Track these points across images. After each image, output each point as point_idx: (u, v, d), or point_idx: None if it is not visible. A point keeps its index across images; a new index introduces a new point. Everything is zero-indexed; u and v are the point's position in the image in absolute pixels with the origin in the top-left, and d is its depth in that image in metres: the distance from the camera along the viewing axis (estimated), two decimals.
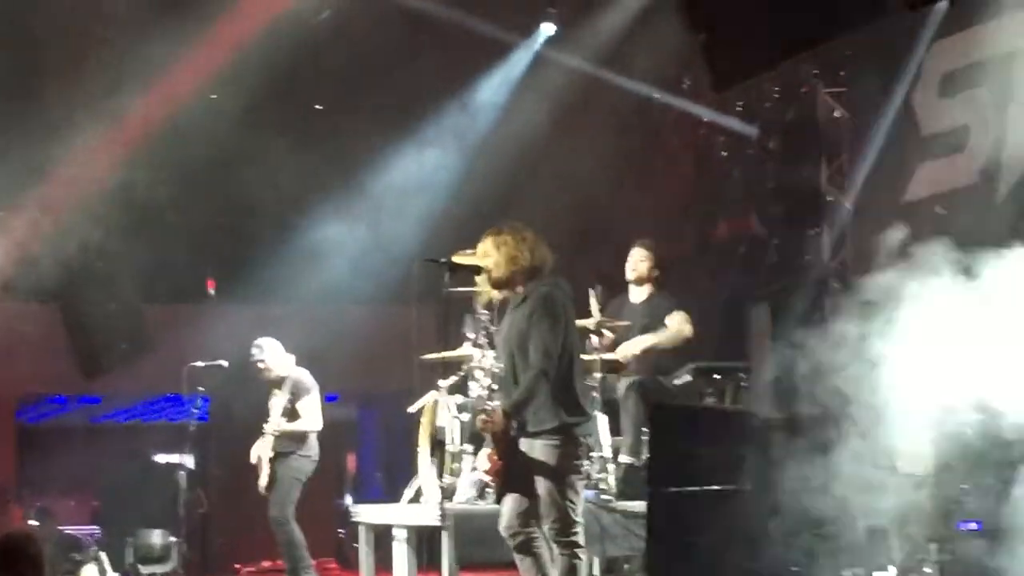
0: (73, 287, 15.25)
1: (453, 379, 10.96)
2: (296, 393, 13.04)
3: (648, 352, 11.26)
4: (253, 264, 15.68)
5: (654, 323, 11.42)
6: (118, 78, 13.97)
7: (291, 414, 13.01)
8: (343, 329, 15.29)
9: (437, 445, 9.95)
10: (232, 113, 14.40)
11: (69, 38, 13.97)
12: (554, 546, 8.55)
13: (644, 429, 10.81)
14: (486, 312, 10.72)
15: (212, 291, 16.17)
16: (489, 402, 9.03)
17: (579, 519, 8.56)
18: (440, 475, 9.36)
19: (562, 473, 8.48)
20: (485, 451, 8.90)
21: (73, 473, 15.89)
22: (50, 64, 14.44)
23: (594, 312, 11.03)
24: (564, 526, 8.47)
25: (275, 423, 13.04)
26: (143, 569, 13.59)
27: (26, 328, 15.25)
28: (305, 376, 13.18)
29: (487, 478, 9.33)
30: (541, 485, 8.50)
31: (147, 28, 13.71)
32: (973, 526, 10.32)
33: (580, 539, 8.56)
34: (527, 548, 8.64)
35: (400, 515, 10.97)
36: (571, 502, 8.50)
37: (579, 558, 8.54)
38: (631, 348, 11.22)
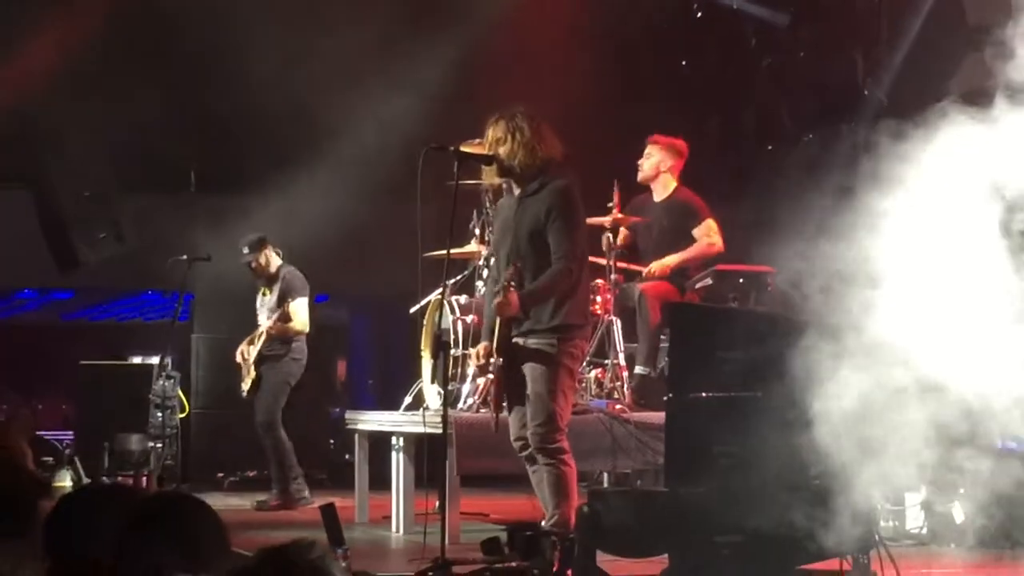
0: (45, 172, 15.31)
1: (458, 277, 11.11)
2: (286, 293, 13.20)
3: (677, 268, 11.43)
4: (240, 152, 15.71)
5: (675, 224, 11.56)
6: None
7: (281, 315, 13.17)
8: (335, 224, 15.35)
9: (440, 348, 10.07)
10: None
11: None
12: (538, 456, 8.74)
13: (662, 337, 11.00)
14: (494, 207, 10.86)
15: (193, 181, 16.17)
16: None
17: (564, 427, 8.75)
18: (444, 380, 9.50)
19: (554, 375, 8.68)
20: (482, 345, 9.07)
21: (44, 374, 16.04)
22: None
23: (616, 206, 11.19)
24: (548, 431, 8.66)
25: (264, 324, 13.22)
26: (120, 476, 13.77)
27: None
28: (296, 275, 13.33)
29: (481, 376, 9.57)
30: (531, 385, 8.70)
31: None
32: (1013, 445, 10.51)
33: (565, 444, 8.75)
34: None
35: (399, 422, 11.13)
36: (560, 407, 8.71)
37: (567, 464, 8.70)
38: (658, 267, 11.38)
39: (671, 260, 11.41)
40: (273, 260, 13.35)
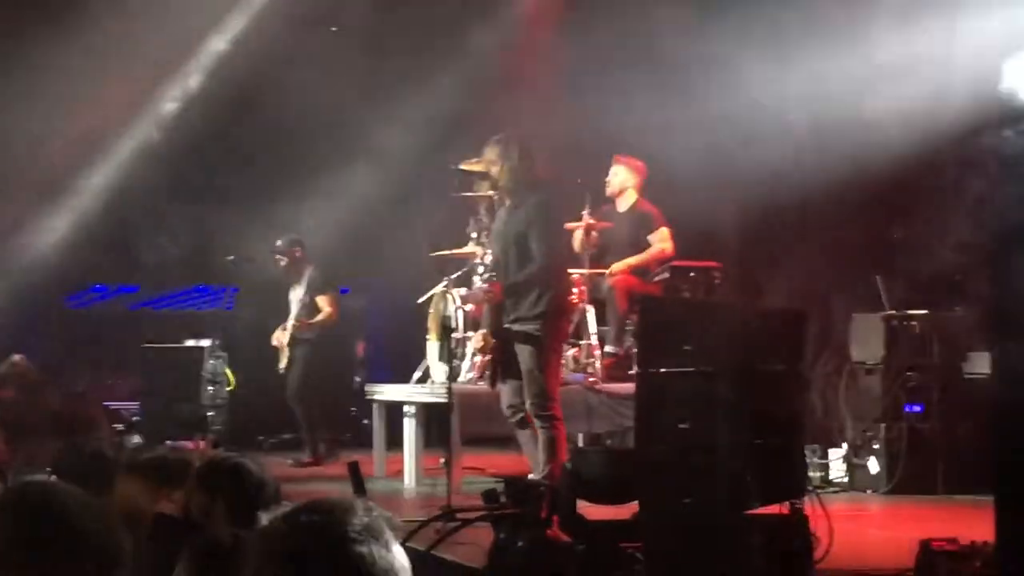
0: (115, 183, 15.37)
1: (458, 273, 11.14)
2: (315, 287, 13.23)
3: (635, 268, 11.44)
4: (278, 168, 15.70)
5: (635, 231, 11.56)
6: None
7: (310, 306, 13.22)
8: (355, 228, 15.35)
9: (444, 332, 10.14)
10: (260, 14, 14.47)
11: None
12: (535, 421, 8.81)
13: (627, 322, 11.03)
14: (488, 215, 10.90)
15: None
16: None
17: (556, 397, 8.91)
18: (449, 358, 9.58)
19: (544, 353, 8.84)
20: (480, 332, 9.22)
21: (115, 355, 16.00)
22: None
23: (587, 213, 11.20)
24: (543, 400, 8.81)
25: (296, 315, 13.25)
26: (179, 440, 13.75)
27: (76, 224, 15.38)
28: (323, 272, 13.36)
29: (479, 356, 9.68)
30: (524, 363, 8.83)
31: None
32: (917, 409, 10.60)
33: (557, 412, 8.88)
34: (526, 423, 8.97)
35: (411, 393, 11.19)
36: (549, 380, 8.87)
37: (557, 429, 8.86)
38: (618, 267, 11.38)
39: (630, 261, 11.42)
40: (302, 258, 13.38)
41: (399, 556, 2.46)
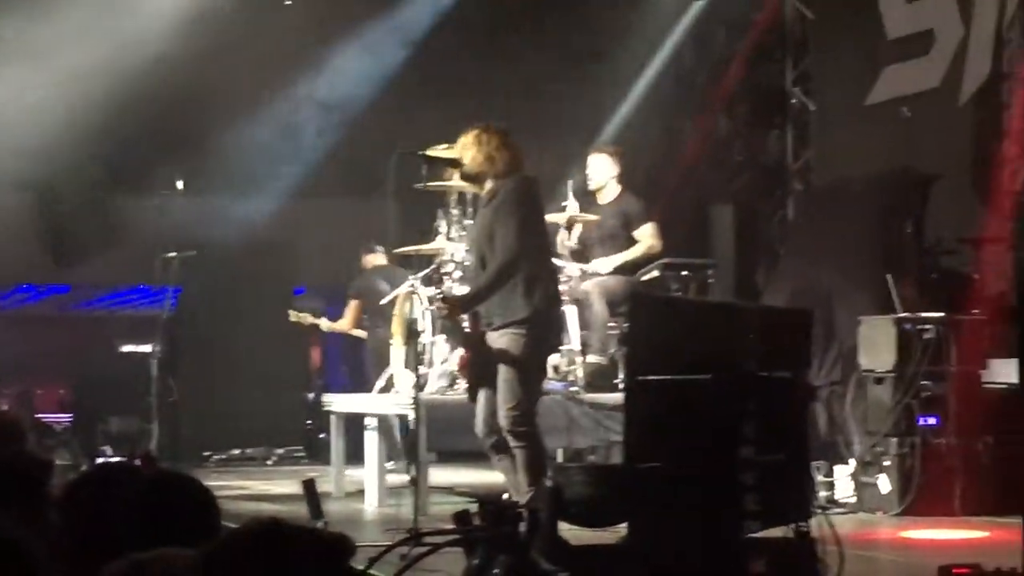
0: (47, 176, 15.19)
1: (425, 271, 11.03)
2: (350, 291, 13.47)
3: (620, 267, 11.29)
4: (221, 154, 15.55)
5: (619, 225, 11.40)
6: None
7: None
8: (312, 221, 15.26)
9: (410, 335, 10.03)
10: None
11: None
12: (510, 437, 8.56)
13: (611, 325, 10.92)
14: (458, 207, 10.77)
15: (180, 184, 15.93)
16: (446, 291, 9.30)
17: (536, 411, 8.65)
18: (414, 365, 9.44)
19: (524, 362, 8.51)
20: (460, 351, 9.04)
21: (42, 362, 15.86)
22: None
23: (570, 205, 11.05)
24: (522, 414, 8.49)
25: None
26: (114, 455, 13.64)
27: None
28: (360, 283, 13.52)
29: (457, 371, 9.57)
30: (502, 373, 8.53)
31: None
32: (932, 421, 10.53)
33: (536, 430, 8.61)
34: (505, 447, 8.67)
35: (372, 404, 11.09)
36: (531, 392, 8.61)
37: (536, 448, 8.57)
38: (601, 267, 11.21)
39: (616, 260, 11.25)
40: (365, 261, 13.44)
41: None
